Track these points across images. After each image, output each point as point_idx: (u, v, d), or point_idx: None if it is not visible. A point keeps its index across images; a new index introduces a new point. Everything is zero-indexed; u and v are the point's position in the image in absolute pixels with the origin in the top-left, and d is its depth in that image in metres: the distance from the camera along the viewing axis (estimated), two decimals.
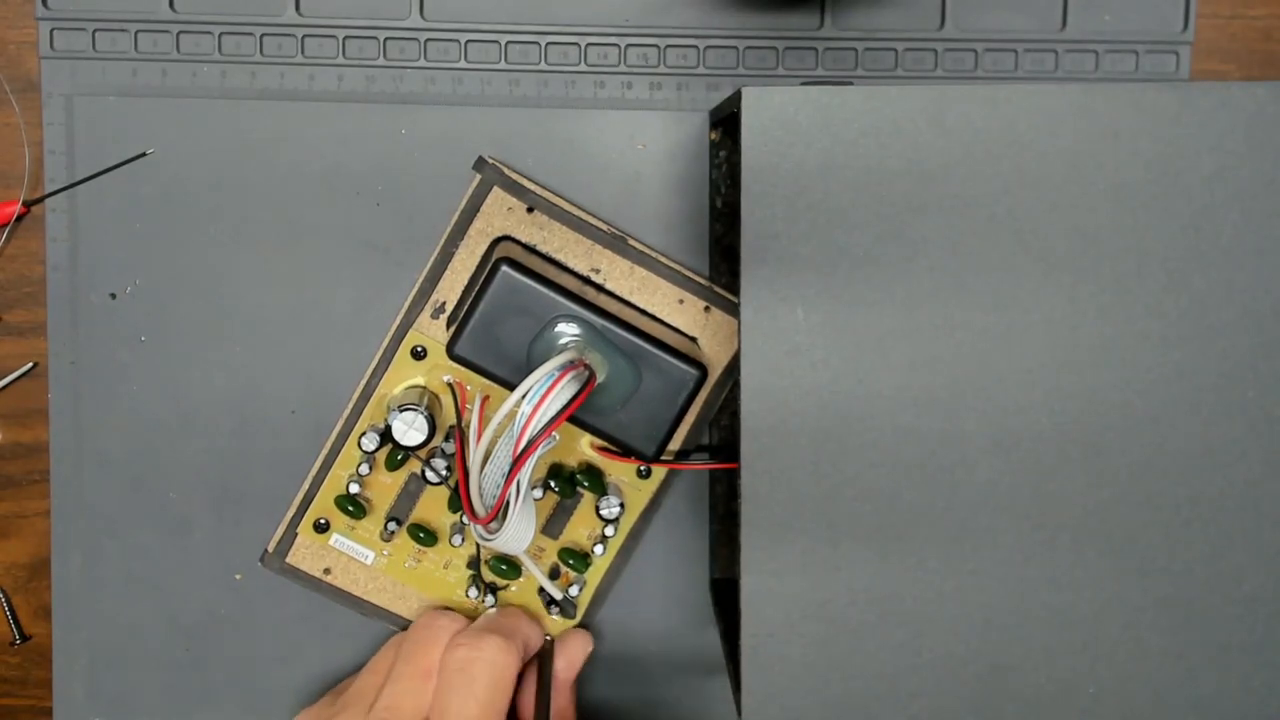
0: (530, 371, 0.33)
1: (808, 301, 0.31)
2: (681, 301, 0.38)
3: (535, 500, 0.39)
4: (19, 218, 0.40)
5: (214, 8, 0.39)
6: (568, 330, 0.35)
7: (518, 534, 0.33)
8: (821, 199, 0.31)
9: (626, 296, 0.38)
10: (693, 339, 0.38)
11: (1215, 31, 0.41)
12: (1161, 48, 0.40)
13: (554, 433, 0.32)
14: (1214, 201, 0.31)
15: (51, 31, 0.39)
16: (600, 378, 0.35)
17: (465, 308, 0.35)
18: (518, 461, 0.31)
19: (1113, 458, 0.32)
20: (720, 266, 0.39)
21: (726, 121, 0.37)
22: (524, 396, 0.32)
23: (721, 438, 0.39)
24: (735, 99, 0.32)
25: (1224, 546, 0.32)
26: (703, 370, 0.35)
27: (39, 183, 0.40)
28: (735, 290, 0.33)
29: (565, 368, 0.32)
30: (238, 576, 0.41)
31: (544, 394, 0.32)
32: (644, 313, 0.38)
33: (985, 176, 0.31)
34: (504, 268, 0.34)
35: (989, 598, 0.32)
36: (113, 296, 0.40)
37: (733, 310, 0.37)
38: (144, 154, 0.40)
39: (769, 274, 0.31)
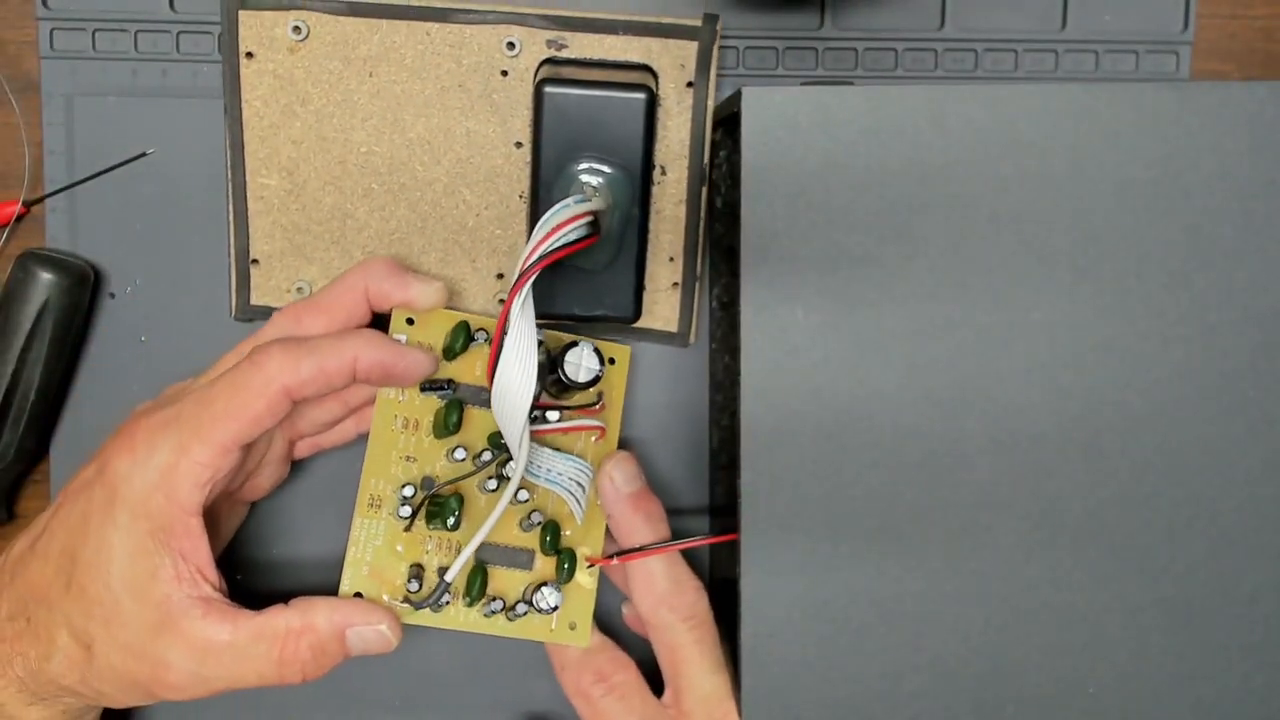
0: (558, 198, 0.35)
1: (808, 301, 0.31)
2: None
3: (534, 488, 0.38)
4: (19, 218, 0.40)
5: (214, 8, 0.39)
6: (588, 180, 0.36)
7: (518, 356, 0.33)
8: (821, 199, 0.31)
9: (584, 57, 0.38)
10: (646, 67, 0.38)
11: (1215, 31, 0.41)
12: (1161, 48, 0.40)
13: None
14: (1214, 201, 0.31)
15: (51, 31, 0.39)
16: (603, 226, 0.36)
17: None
18: (522, 276, 0.32)
19: (1113, 458, 0.32)
20: (720, 266, 0.39)
21: (726, 121, 0.37)
22: (549, 216, 0.34)
23: (721, 438, 0.39)
24: (735, 99, 0.32)
25: (1224, 546, 0.32)
26: (649, 91, 0.36)
27: (39, 183, 0.40)
28: (735, 291, 0.33)
29: (582, 211, 0.34)
30: (238, 576, 0.41)
31: (561, 223, 0.33)
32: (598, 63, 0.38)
33: (985, 176, 0.31)
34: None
35: (989, 598, 0.32)
36: (112, 296, 0.40)
37: (683, 34, 0.38)
38: (144, 154, 0.40)
39: (769, 274, 0.31)
